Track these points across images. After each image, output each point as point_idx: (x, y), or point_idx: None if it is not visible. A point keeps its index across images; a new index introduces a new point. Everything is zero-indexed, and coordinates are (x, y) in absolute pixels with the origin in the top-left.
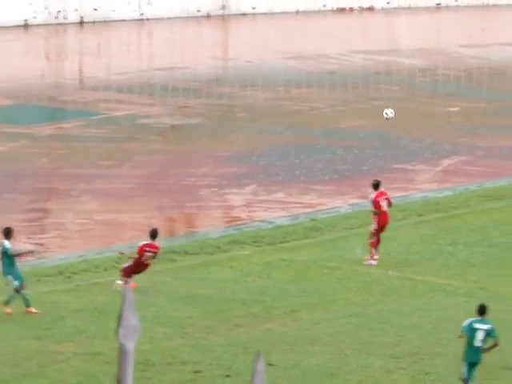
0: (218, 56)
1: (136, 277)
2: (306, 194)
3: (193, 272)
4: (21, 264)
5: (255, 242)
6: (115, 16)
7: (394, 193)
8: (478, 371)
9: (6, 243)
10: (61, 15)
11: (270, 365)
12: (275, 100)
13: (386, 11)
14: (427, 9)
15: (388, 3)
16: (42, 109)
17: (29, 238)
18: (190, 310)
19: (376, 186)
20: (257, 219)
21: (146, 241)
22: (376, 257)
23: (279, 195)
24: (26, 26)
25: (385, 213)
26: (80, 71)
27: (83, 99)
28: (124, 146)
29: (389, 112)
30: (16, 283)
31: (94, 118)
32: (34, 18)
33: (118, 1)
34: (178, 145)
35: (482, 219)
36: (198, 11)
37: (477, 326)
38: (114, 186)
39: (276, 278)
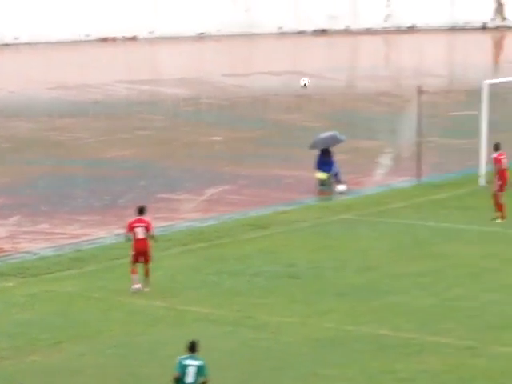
0: None
1: None
2: (70, 224)
3: None
4: None
5: (20, 273)
6: None
7: (159, 222)
8: None
9: None
10: None
11: None
12: (39, 131)
13: (149, 41)
14: (190, 38)
15: (151, 33)
16: None
17: None
18: None
19: (140, 211)
20: (21, 250)
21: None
22: (137, 285)
23: (44, 226)
24: None
25: (141, 240)
26: None
27: None
28: None
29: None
30: None
31: None
32: None
33: None
34: None
35: (246, 248)
36: None
37: (187, 362)
38: None
39: (41, 310)
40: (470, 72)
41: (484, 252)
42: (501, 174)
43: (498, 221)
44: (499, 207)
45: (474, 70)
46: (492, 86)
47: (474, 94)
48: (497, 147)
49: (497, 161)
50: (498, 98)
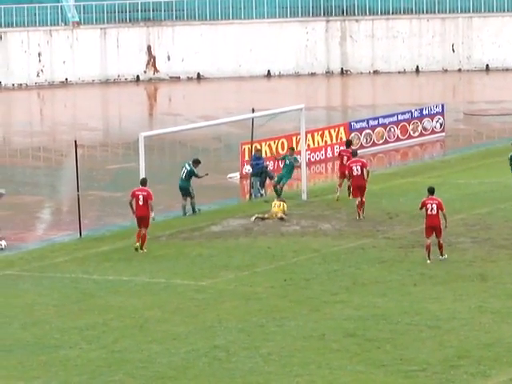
0: None
1: None
2: None
3: None
4: None
5: None
6: None
7: None
8: None
9: None
10: None
11: None
12: None
13: None
14: None
15: None
16: None
17: None
18: None
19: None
20: None
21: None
22: None
23: None
24: None
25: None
26: None
27: None
28: None
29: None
30: None
31: None
32: None
33: None
34: None
35: None
36: None
37: None
38: None
39: None
40: (125, 124)
41: (149, 303)
42: None
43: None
44: None
45: (129, 122)
46: (148, 137)
47: (130, 147)
48: None
49: None
50: (153, 149)
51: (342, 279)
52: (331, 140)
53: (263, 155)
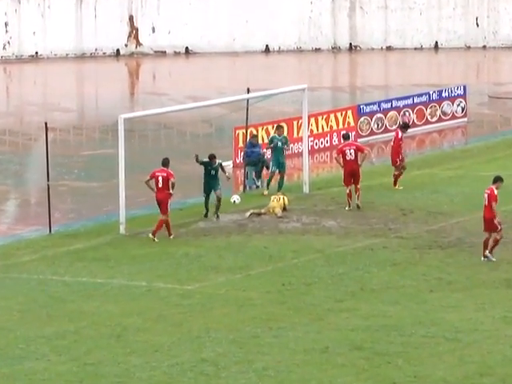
0: None
1: None
2: None
3: None
4: None
5: None
6: None
7: None
8: None
9: None
10: None
11: None
12: None
13: None
14: None
15: None
16: None
17: None
18: None
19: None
20: None
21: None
22: None
23: None
24: None
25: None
26: None
27: None
28: None
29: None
30: None
31: None
32: None
33: None
34: None
35: None
36: None
37: None
38: None
39: None
40: (103, 105)
41: (127, 309)
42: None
43: None
44: None
45: (107, 102)
46: (128, 120)
47: (108, 130)
48: None
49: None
50: (134, 134)
51: (347, 284)
52: (337, 125)
53: (260, 142)
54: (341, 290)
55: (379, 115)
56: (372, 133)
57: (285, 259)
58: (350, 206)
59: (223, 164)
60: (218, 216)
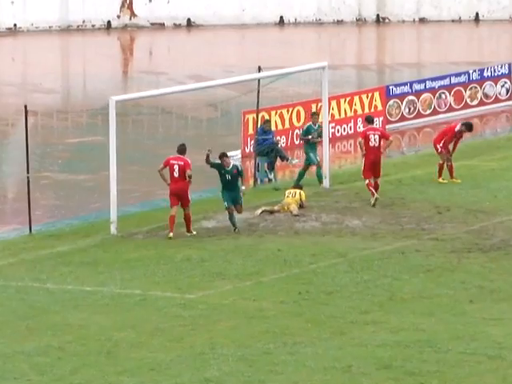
0: None
1: None
2: None
3: None
4: None
5: None
6: None
7: None
8: None
9: None
10: None
11: None
12: None
13: None
14: None
15: None
16: None
17: None
18: None
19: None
20: None
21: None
22: None
23: None
24: None
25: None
26: None
27: None
28: None
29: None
30: None
31: None
32: None
33: None
34: None
35: None
36: None
37: None
38: None
39: None
40: (91, 85)
41: (119, 321)
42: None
43: None
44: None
45: (96, 82)
46: (121, 103)
47: (98, 114)
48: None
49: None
50: (128, 119)
51: (374, 293)
52: (362, 109)
53: (273, 128)
54: (366, 300)
55: (411, 98)
56: (403, 118)
57: (302, 264)
58: (374, 196)
59: (229, 155)
60: (235, 228)
